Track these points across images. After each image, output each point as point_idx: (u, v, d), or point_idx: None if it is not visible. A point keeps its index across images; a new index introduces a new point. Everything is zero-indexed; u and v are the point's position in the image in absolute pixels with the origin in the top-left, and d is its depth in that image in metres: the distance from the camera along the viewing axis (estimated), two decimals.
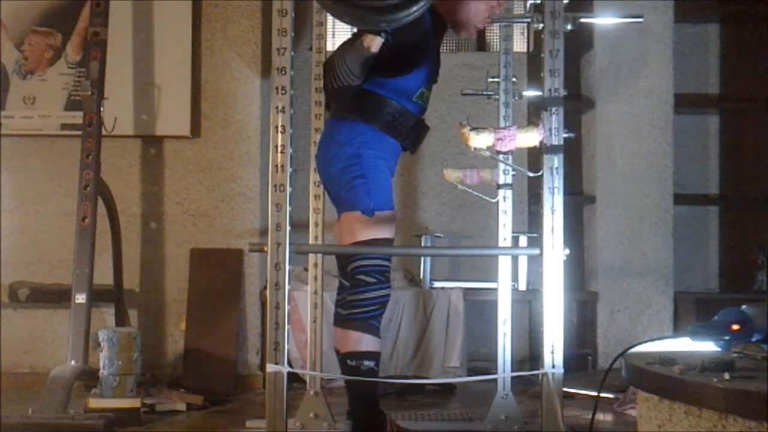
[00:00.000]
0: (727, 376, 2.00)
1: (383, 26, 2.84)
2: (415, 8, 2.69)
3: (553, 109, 2.64)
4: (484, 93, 4.16)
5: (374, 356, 3.19)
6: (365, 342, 3.16)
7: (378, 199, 3.21)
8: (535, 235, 4.25)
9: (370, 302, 3.16)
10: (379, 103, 3.23)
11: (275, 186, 2.62)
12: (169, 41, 5.19)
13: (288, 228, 2.61)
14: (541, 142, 2.66)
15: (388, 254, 3.31)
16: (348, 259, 3.25)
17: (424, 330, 5.07)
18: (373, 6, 2.70)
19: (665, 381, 2.11)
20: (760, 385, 1.88)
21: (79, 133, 4.66)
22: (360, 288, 3.16)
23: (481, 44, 6.22)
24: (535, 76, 4.45)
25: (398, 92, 3.24)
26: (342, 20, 2.98)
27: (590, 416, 3.68)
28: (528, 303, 5.66)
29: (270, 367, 2.58)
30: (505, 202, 3.92)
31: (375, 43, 3.05)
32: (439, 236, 5.44)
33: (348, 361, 3.19)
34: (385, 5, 2.69)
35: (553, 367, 2.60)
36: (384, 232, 3.21)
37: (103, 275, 4.81)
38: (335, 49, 3.37)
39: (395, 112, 3.24)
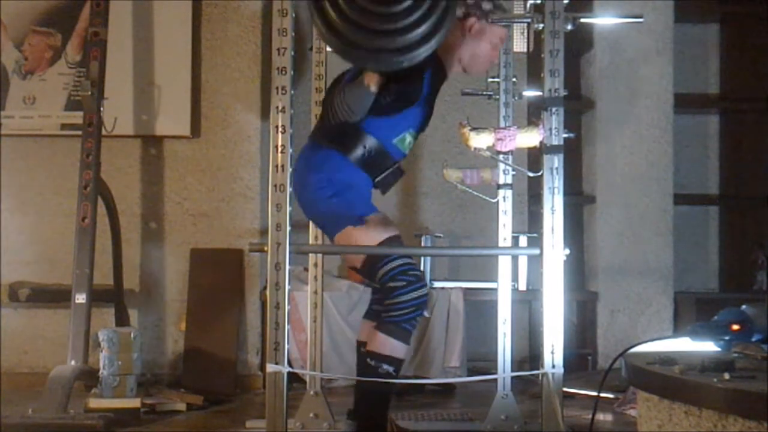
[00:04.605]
0: (727, 376, 1.99)
1: (402, 65, 2.82)
2: (431, 44, 2.69)
3: (553, 109, 2.65)
4: (484, 93, 4.16)
5: (397, 362, 3.15)
6: (390, 346, 3.13)
7: (359, 207, 3.19)
8: (535, 235, 4.24)
9: (404, 305, 3.10)
10: (356, 136, 3.17)
11: (275, 186, 2.62)
12: (169, 41, 5.19)
13: (288, 228, 2.62)
14: (541, 142, 2.66)
15: (392, 253, 3.26)
16: (373, 274, 3.21)
17: (424, 330, 5.07)
18: (389, 47, 2.69)
19: (665, 381, 2.11)
20: (760, 385, 1.88)
21: (79, 133, 4.66)
22: (393, 293, 3.12)
23: None
24: (535, 76, 4.45)
25: (380, 130, 3.19)
26: (354, 63, 2.96)
27: (590, 416, 3.68)
28: (528, 303, 5.66)
29: (270, 367, 2.58)
30: (505, 202, 3.92)
31: (375, 81, 3.01)
32: (439, 236, 5.44)
33: (368, 359, 3.15)
34: (402, 45, 2.68)
35: (553, 367, 2.60)
36: (387, 232, 3.20)
37: (103, 275, 4.81)
38: (331, 83, 3.35)
39: (371, 149, 3.19)
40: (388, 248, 3.21)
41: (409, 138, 3.30)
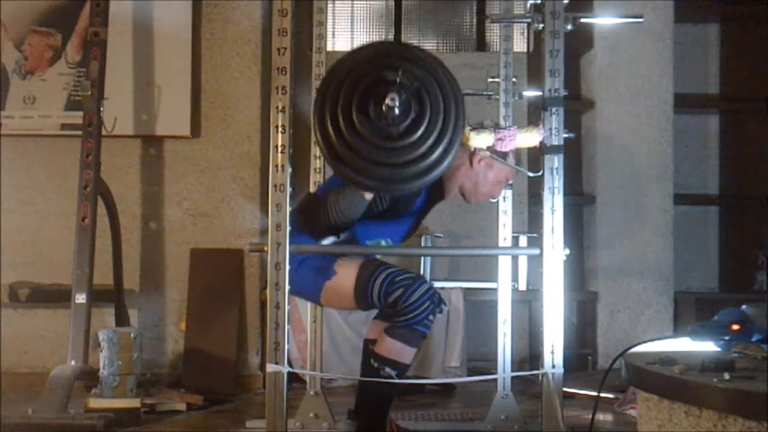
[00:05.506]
0: (727, 376, 2.00)
1: (392, 193, 2.85)
2: (426, 179, 2.65)
3: (553, 109, 2.64)
4: (484, 93, 4.16)
5: (401, 367, 3.15)
6: (398, 351, 3.13)
7: (323, 264, 3.17)
8: (535, 235, 4.24)
9: (414, 306, 3.10)
10: (330, 228, 3.13)
11: (275, 186, 2.62)
12: (169, 41, 5.19)
13: (288, 228, 2.61)
14: (541, 142, 2.66)
15: (387, 254, 3.26)
16: (369, 302, 3.17)
17: None
18: (384, 177, 2.63)
19: (665, 381, 2.11)
20: (760, 385, 1.88)
21: (79, 133, 4.66)
22: (398, 304, 3.10)
23: (481, 44, 6.22)
24: (535, 76, 4.45)
25: (359, 227, 3.17)
26: (345, 180, 2.91)
27: (590, 416, 3.68)
28: (528, 303, 5.66)
29: (270, 367, 2.58)
30: (505, 202, 3.92)
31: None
32: (439, 236, 5.44)
33: (372, 360, 3.15)
34: (397, 178, 2.63)
35: (553, 367, 2.60)
36: (360, 258, 3.19)
37: (103, 275, 4.81)
38: (326, 183, 3.34)
39: (343, 239, 3.17)
40: (383, 249, 3.20)
41: (383, 244, 3.28)
